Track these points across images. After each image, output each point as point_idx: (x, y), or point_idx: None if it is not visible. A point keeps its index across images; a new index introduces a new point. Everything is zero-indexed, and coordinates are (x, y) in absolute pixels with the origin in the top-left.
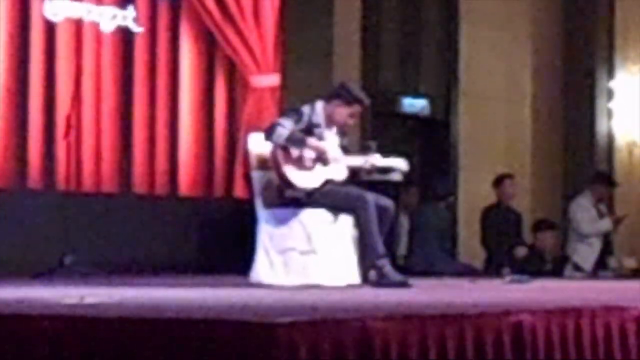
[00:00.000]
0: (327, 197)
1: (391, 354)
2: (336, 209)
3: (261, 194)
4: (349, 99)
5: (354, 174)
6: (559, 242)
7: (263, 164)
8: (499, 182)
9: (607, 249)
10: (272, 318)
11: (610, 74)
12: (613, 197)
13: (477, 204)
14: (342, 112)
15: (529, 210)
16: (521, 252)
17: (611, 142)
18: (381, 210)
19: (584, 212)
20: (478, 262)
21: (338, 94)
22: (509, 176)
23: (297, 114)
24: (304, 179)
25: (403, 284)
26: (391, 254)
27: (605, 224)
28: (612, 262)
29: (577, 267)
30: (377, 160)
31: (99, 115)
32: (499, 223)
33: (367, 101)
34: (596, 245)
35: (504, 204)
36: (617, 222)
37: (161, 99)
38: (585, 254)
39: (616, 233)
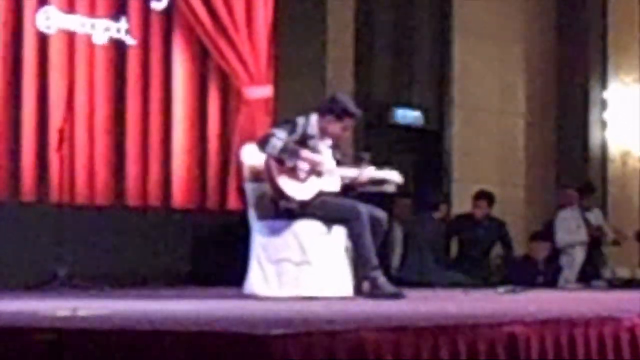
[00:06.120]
0: (321, 209)
1: None
2: (330, 220)
3: (254, 206)
4: (340, 114)
5: (347, 185)
6: (551, 253)
7: (256, 175)
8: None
9: (598, 260)
10: (265, 330)
11: (604, 84)
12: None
13: None
14: (335, 126)
15: (522, 220)
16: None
17: (605, 152)
18: (374, 221)
19: (561, 224)
20: None
21: (330, 109)
22: (480, 196)
23: (291, 125)
24: (298, 191)
25: (396, 295)
26: (384, 266)
27: (580, 235)
28: (605, 272)
29: (566, 279)
30: (370, 172)
31: (92, 127)
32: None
33: (358, 113)
34: (578, 256)
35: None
36: (593, 234)
37: (154, 111)
38: (568, 265)
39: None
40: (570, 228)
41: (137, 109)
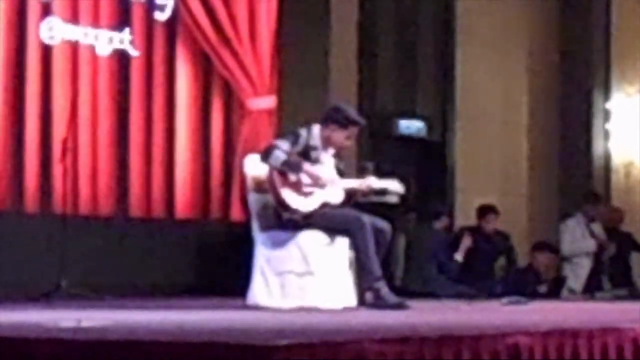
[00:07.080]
0: (324, 220)
1: None
2: (333, 231)
3: (258, 217)
4: (344, 122)
5: (351, 196)
6: (555, 264)
7: (259, 186)
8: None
9: (603, 270)
10: (269, 341)
11: (607, 95)
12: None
13: None
14: (339, 135)
15: (525, 231)
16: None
17: (608, 163)
18: (378, 232)
19: (568, 233)
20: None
21: (333, 118)
22: (487, 210)
23: (294, 136)
24: (301, 202)
25: (400, 306)
26: (388, 276)
27: (588, 244)
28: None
29: (571, 289)
30: (373, 182)
31: (96, 138)
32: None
33: (362, 122)
34: (585, 266)
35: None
36: (601, 245)
37: (157, 122)
38: (574, 275)
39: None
40: (575, 237)
41: (140, 119)
